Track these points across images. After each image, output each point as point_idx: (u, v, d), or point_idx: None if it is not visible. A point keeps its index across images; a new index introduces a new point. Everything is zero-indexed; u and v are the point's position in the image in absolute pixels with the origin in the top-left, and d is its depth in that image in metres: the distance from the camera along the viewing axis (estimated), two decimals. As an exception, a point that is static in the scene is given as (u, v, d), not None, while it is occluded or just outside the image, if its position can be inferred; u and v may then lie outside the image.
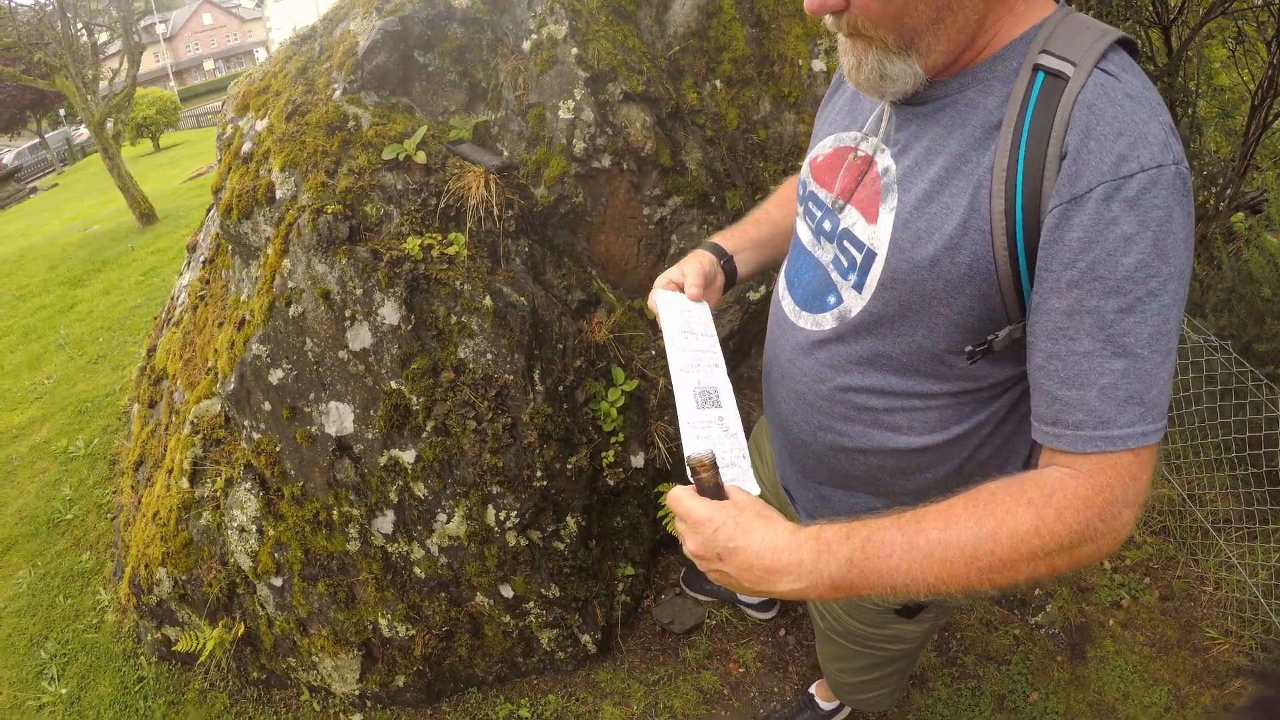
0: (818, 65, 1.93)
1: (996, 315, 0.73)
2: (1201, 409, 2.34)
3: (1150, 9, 3.75)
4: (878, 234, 0.78)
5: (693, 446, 0.76)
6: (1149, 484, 0.65)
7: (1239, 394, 2.20)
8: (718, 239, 1.09)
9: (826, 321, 0.87)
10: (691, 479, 0.74)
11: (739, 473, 0.77)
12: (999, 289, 0.70)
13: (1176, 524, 2.33)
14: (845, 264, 0.83)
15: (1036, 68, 0.67)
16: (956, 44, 0.69)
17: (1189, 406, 2.37)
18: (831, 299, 0.86)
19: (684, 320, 0.94)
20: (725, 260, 1.06)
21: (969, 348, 0.75)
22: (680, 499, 0.73)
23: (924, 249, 0.73)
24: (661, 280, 1.01)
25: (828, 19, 0.71)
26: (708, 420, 0.81)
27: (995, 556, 0.64)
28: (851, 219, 0.82)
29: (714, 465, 0.73)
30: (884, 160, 0.80)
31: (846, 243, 0.83)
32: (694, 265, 1.01)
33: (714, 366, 0.88)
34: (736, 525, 0.69)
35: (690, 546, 0.71)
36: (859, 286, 0.81)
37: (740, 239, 1.10)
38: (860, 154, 0.83)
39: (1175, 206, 0.60)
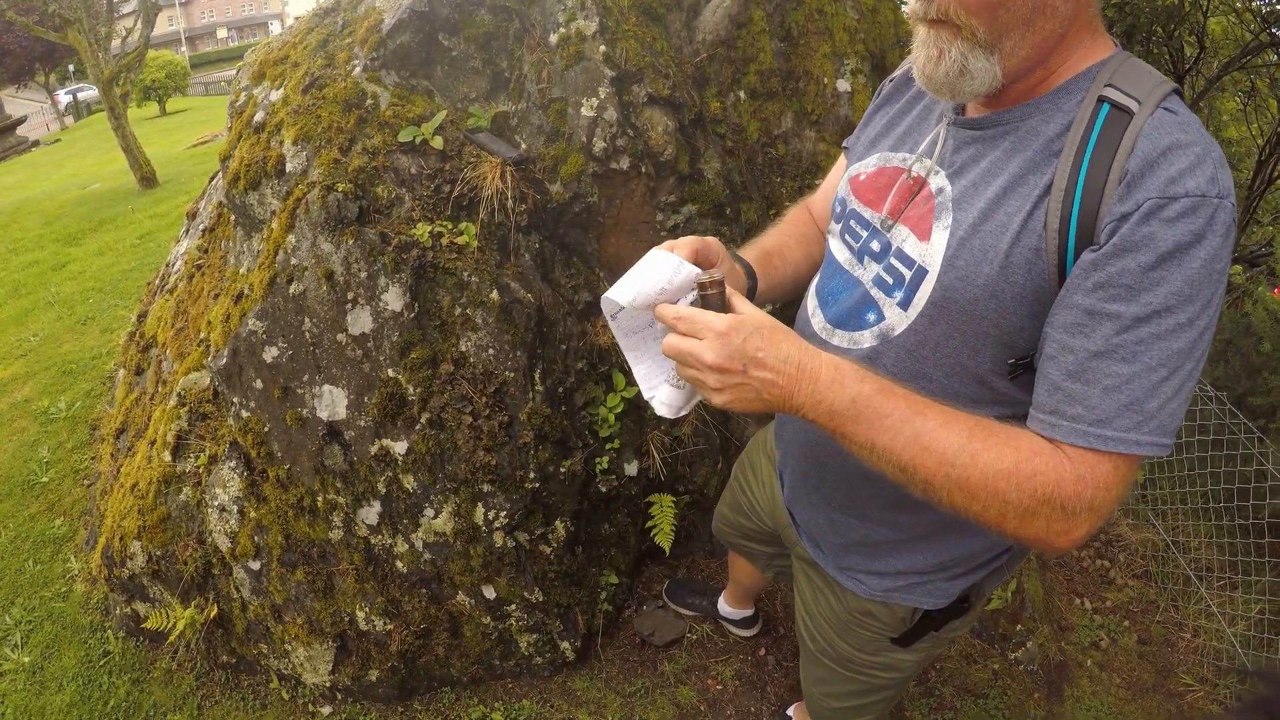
0: (843, 85, 1.92)
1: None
2: (1192, 457, 2.36)
3: (1167, 57, 3.79)
4: (930, 251, 0.78)
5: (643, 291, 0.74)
6: (1116, 501, 0.67)
7: (1230, 445, 2.21)
8: (753, 263, 1.00)
9: (864, 340, 0.86)
10: (699, 296, 0.73)
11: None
12: (1048, 308, 0.71)
13: (1159, 569, 2.33)
14: (890, 281, 0.83)
15: (1101, 99, 0.69)
16: (1037, 53, 0.70)
17: (1179, 454, 2.38)
18: (871, 316, 0.85)
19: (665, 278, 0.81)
20: (751, 292, 0.97)
21: (1011, 360, 0.76)
22: (696, 313, 0.71)
23: (979, 267, 0.73)
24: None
25: (912, 1, 0.71)
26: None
27: (966, 472, 0.67)
28: (902, 236, 0.82)
29: (722, 283, 0.72)
30: (938, 181, 0.80)
31: (895, 260, 0.82)
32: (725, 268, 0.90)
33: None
34: (762, 335, 0.69)
35: (713, 358, 0.68)
36: (905, 304, 0.81)
37: (769, 274, 1.01)
38: (913, 176, 0.83)
39: (1210, 236, 0.62)
